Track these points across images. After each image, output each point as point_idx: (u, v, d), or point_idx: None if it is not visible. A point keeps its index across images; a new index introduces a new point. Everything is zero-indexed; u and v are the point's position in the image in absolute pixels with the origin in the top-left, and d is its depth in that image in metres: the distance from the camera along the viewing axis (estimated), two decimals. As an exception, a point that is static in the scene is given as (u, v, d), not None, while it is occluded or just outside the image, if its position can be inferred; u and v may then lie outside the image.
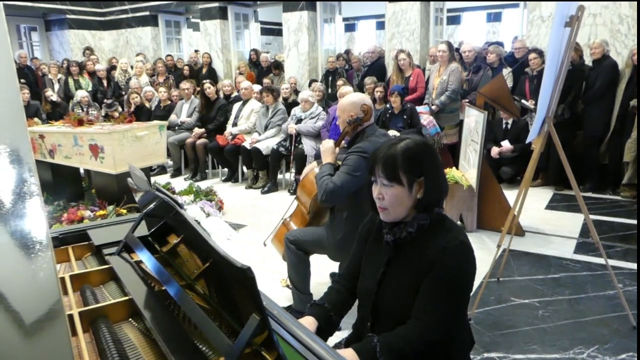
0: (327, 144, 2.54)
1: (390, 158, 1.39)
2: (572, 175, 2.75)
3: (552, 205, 4.96)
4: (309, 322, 1.49)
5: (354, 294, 1.61)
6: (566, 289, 3.13)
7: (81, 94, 7.29)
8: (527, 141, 3.00)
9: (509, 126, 5.53)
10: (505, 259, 3.31)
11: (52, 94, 7.61)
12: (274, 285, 3.25)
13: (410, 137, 1.48)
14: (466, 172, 4.26)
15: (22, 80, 7.91)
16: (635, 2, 5.32)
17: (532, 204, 4.66)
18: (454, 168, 4.36)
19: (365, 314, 1.52)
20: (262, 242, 3.16)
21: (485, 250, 3.82)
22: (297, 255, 2.65)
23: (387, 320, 1.43)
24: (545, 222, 4.40)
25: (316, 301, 1.61)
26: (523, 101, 5.43)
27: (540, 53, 5.33)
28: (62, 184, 5.16)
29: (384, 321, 1.45)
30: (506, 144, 5.43)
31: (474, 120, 4.18)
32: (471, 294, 1.47)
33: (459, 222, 4.27)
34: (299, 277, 2.69)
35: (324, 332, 1.51)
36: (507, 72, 5.69)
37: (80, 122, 4.86)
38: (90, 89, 8.40)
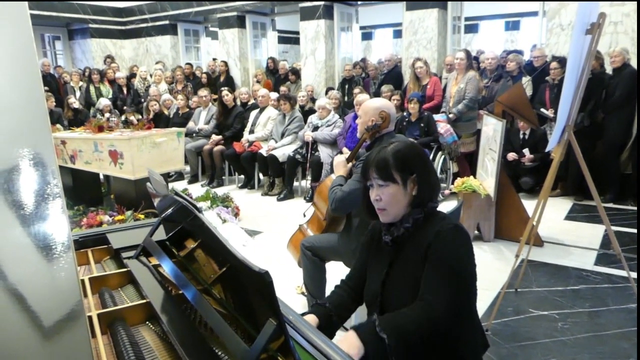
0: (339, 159, 2.60)
1: (382, 160, 1.47)
2: (593, 185, 2.71)
3: (572, 215, 4.88)
4: (310, 320, 1.51)
5: (355, 300, 1.65)
6: (586, 301, 3.07)
7: (104, 102, 7.44)
8: (547, 150, 2.97)
9: (526, 136, 5.47)
10: (524, 270, 3.26)
11: (75, 101, 7.76)
12: (289, 292, 3.24)
13: (398, 141, 1.55)
14: (484, 181, 4.22)
15: (46, 88, 8.08)
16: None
17: (551, 214, 4.59)
18: (471, 177, 4.32)
19: None
20: (277, 248, 3.17)
21: (503, 260, 3.77)
22: (313, 262, 2.65)
23: None
24: (565, 233, 4.33)
25: (319, 301, 1.65)
26: (542, 110, 5.36)
27: (562, 62, 5.26)
28: (82, 189, 5.26)
29: None
30: (526, 153, 5.38)
31: (492, 128, 4.15)
32: (477, 287, 1.45)
33: (476, 232, 4.23)
34: (315, 283, 2.69)
35: (323, 331, 1.51)
36: (526, 80, 5.65)
37: (100, 129, 4.95)
38: (110, 96, 8.55)
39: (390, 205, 1.46)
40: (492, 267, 3.64)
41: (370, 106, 2.48)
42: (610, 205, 5.06)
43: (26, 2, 0.88)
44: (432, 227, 1.42)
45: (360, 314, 2.64)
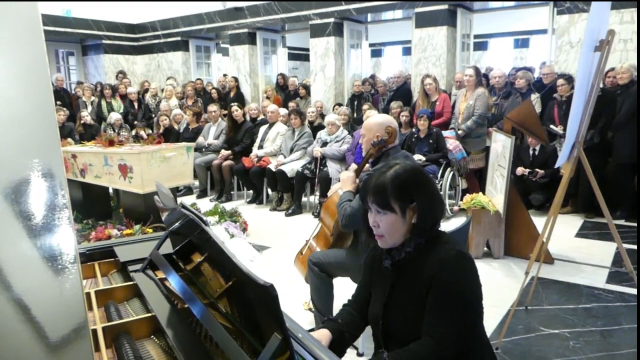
0: (347, 174, 2.58)
1: (380, 187, 1.40)
2: (604, 202, 2.68)
3: (583, 233, 4.82)
4: (324, 334, 1.49)
5: (365, 318, 1.63)
6: (598, 320, 3.01)
7: (115, 117, 7.52)
8: (556, 166, 2.94)
9: (536, 152, 5.44)
10: (534, 287, 3.21)
11: (87, 115, 7.85)
12: (296, 308, 3.22)
13: (399, 162, 1.47)
14: (493, 197, 4.19)
15: (59, 102, 8.19)
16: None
17: (561, 232, 4.54)
18: (480, 193, 4.29)
19: (378, 341, 1.53)
20: (285, 264, 3.15)
21: (512, 277, 3.72)
22: (320, 278, 2.63)
23: (398, 343, 1.43)
24: (576, 250, 4.27)
25: (330, 317, 1.63)
26: (552, 126, 5.34)
27: (569, 79, 5.25)
28: (92, 203, 5.28)
29: (395, 345, 1.45)
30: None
31: (501, 145, 4.13)
32: (483, 308, 1.44)
33: (485, 248, 4.19)
34: (322, 299, 2.67)
35: (336, 346, 1.50)
36: (535, 97, 5.63)
37: (111, 143, 4.99)
38: (121, 111, 8.65)
39: (388, 233, 1.42)
40: (502, 284, 3.59)
41: (374, 122, 2.48)
42: (622, 222, 4.99)
43: (39, 14, 0.90)
44: (435, 252, 1.38)
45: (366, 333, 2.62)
